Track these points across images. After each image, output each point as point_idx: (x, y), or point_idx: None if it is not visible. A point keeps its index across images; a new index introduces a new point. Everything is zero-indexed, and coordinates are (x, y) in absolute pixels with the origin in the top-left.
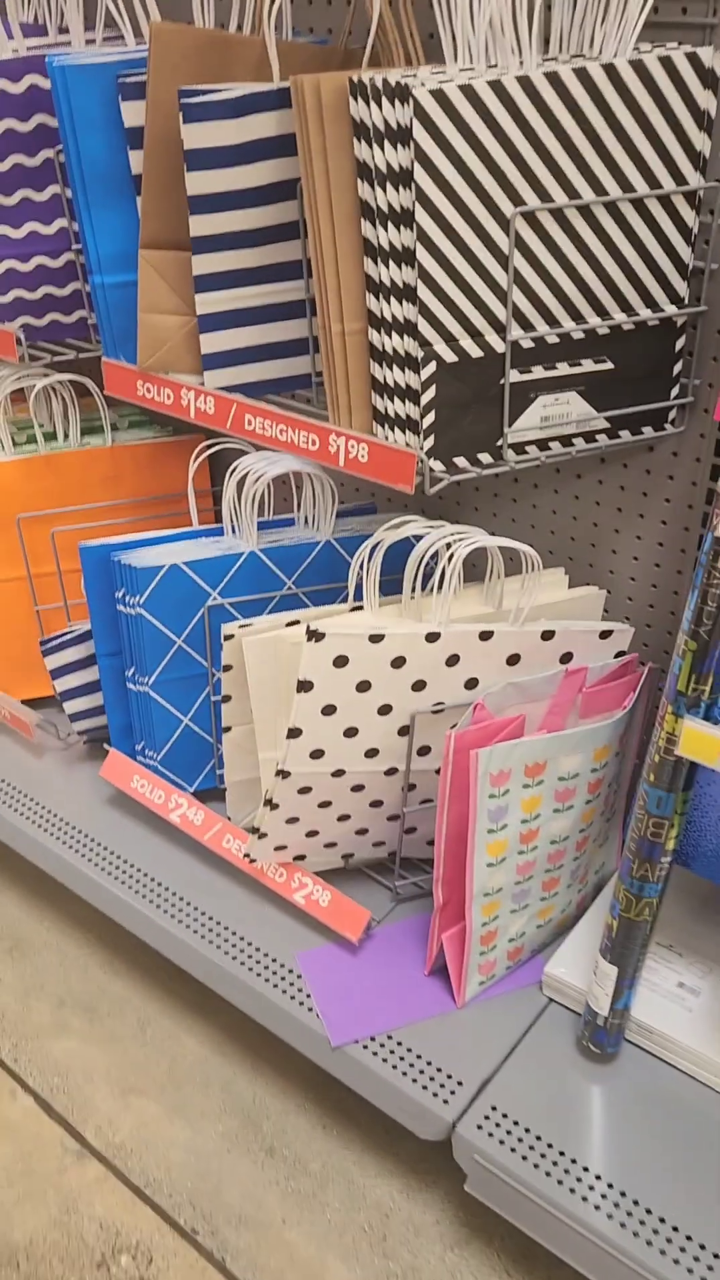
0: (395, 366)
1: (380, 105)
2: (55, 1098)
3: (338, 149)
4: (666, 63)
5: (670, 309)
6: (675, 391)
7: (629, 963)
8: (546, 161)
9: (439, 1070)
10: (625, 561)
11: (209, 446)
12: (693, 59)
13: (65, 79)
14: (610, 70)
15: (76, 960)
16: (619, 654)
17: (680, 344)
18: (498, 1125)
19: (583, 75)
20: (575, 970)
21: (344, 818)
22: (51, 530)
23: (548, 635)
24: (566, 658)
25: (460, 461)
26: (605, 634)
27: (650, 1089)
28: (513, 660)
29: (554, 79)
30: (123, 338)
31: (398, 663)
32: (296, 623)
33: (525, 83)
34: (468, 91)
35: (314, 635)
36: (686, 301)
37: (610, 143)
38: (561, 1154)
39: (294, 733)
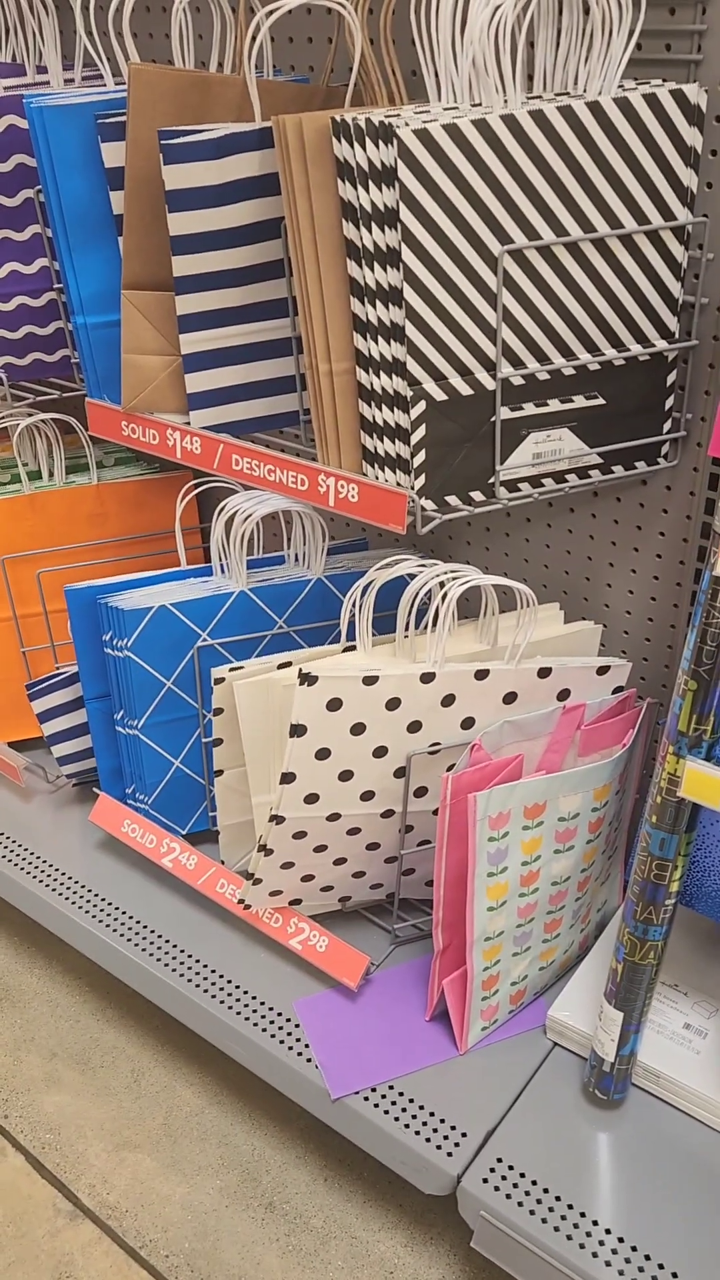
0: (384, 406)
1: (364, 145)
2: (46, 1155)
3: (321, 189)
4: (652, 100)
5: (661, 344)
6: (668, 426)
7: (634, 1007)
8: (533, 199)
9: (442, 1121)
10: (620, 596)
11: (196, 486)
12: (678, 96)
13: (44, 120)
14: (595, 108)
15: (68, 1010)
16: (617, 689)
17: (672, 378)
18: (503, 1179)
19: (568, 113)
20: (579, 1013)
21: (340, 861)
22: (37, 571)
23: (544, 673)
24: (564, 694)
25: (452, 500)
26: (603, 670)
27: (659, 1136)
28: (509, 699)
29: (539, 117)
30: (107, 378)
31: (392, 704)
32: (288, 664)
33: (510, 121)
34: (452, 131)
35: (306, 679)
36: (677, 336)
37: (597, 180)
38: (570, 1207)
39: (288, 778)
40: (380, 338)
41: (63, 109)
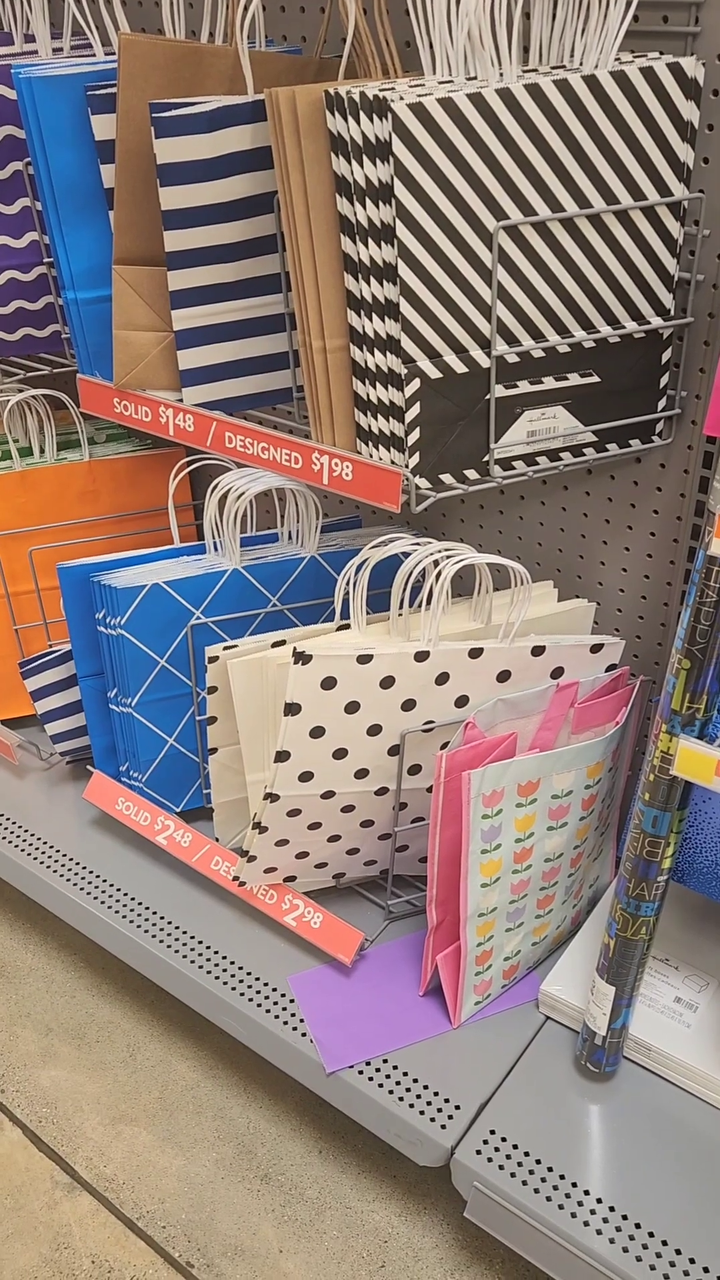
0: (378, 383)
1: (358, 119)
2: (44, 1129)
3: (315, 163)
4: (649, 73)
5: (656, 321)
6: (662, 404)
7: (626, 982)
8: (529, 174)
9: (435, 1094)
10: (614, 574)
11: (189, 463)
12: (675, 69)
13: (33, 91)
14: (592, 81)
15: (63, 986)
16: (610, 667)
17: (667, 356)
18: (496, 1150)
19: (564, 87)
20: (571, 987)
21: (334, 838)
22: (29, 549)
23: (538, 651)
24: (557, 673)
25: (446, 478)
26: (596, 648)
27: (649, 1107)
28: (503, 677)
29: (535, 91)
30: (98, 354)
31: (387, 682)
32: (282, 643)
33: (506, 95)
34: (447, 105)
35: (301, 657)
36: (672, 313)
37: (593, 154)
38: (561, 1177)
39: (282, 756)
40: (374, 314)
41: (52, 80)
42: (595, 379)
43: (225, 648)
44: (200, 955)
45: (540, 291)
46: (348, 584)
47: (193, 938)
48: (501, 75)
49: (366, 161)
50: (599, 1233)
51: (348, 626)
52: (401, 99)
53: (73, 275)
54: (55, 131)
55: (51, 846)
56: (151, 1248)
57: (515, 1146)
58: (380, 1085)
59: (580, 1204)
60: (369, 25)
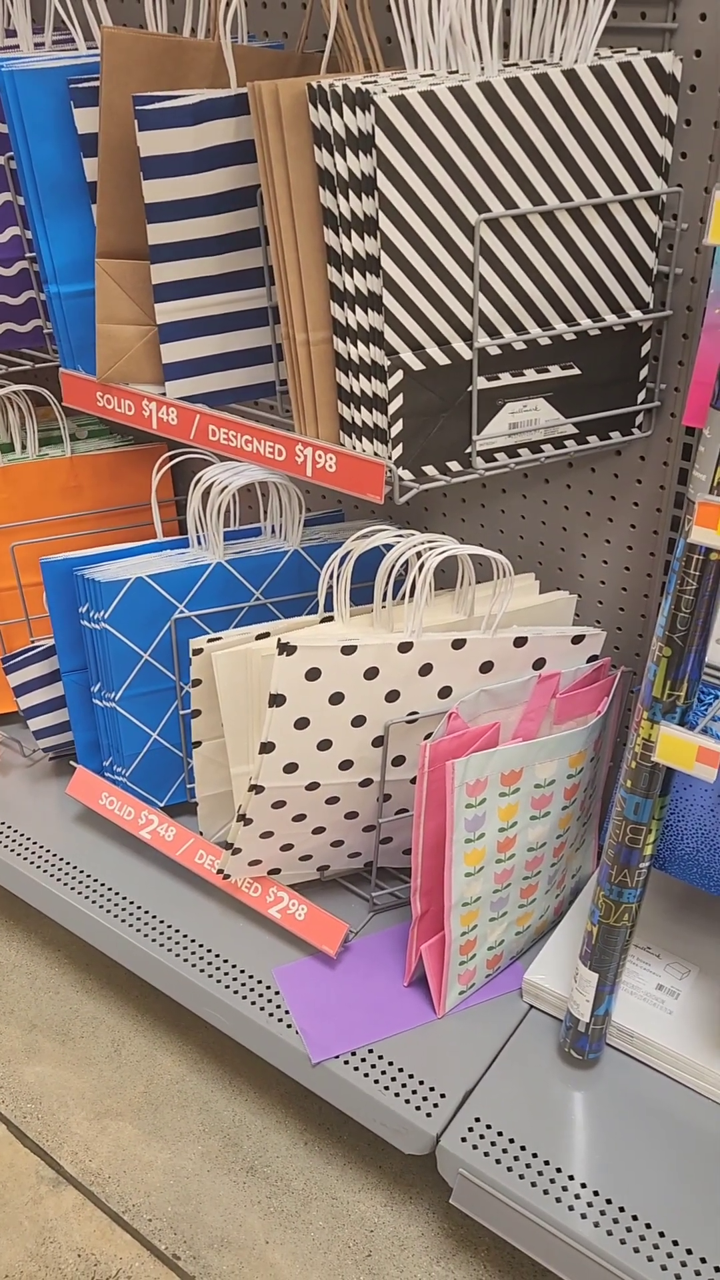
0: (361, 375)
1: (341, 112)
2: (29, 1124)
3: (298, 156)
4: (627, 68)
5: (635, 314)
6: (642, 396)
7: (609, 968)
8: (510, 167)
9: (421, 1083)
10: (595, 565)
11: (173, 457)
12: (653, 64)
13: (15, 85)
14: (571, 76)
15: (47, 982)
16: (591, 658)
17: (646, 349)
18: (481, 1137)
19: (544, 81)
20: (555, 976)
21: (319, 830)
22: (11, 544)
23: (520, 642)
24: (539, 663)
25: (429, 470)
26: (577, 639)
27: (632, 1093)
28: (486, 668)
29: (516, 84)
30: (81, 348)
31: (371, 674)
32: (266, 635)
33: (487, 88)
34: (429, 98)
35: (285, 648)
36: (651, 306)
37: (573, 148)
38: (546, 1163)
39: (267, 747)
40: (357, 307)
41: (34, 73)
42: (576, 371)
43: (209, 640)
44: (185, 949)
45: (521, 284)
46: (331, 576)
47: (177, 931)
48: (483, 69)
49: (349, 154)
50: (583, 1217)
51: (331, 619)
52: (384, 91)
53: (55, 269)
54: (37, 125)
55: (35, 842)
56: (138, 1241)
57: (500, 1134)
58: (365, 1075)
59: (565, 1189)
60: (351, 20)
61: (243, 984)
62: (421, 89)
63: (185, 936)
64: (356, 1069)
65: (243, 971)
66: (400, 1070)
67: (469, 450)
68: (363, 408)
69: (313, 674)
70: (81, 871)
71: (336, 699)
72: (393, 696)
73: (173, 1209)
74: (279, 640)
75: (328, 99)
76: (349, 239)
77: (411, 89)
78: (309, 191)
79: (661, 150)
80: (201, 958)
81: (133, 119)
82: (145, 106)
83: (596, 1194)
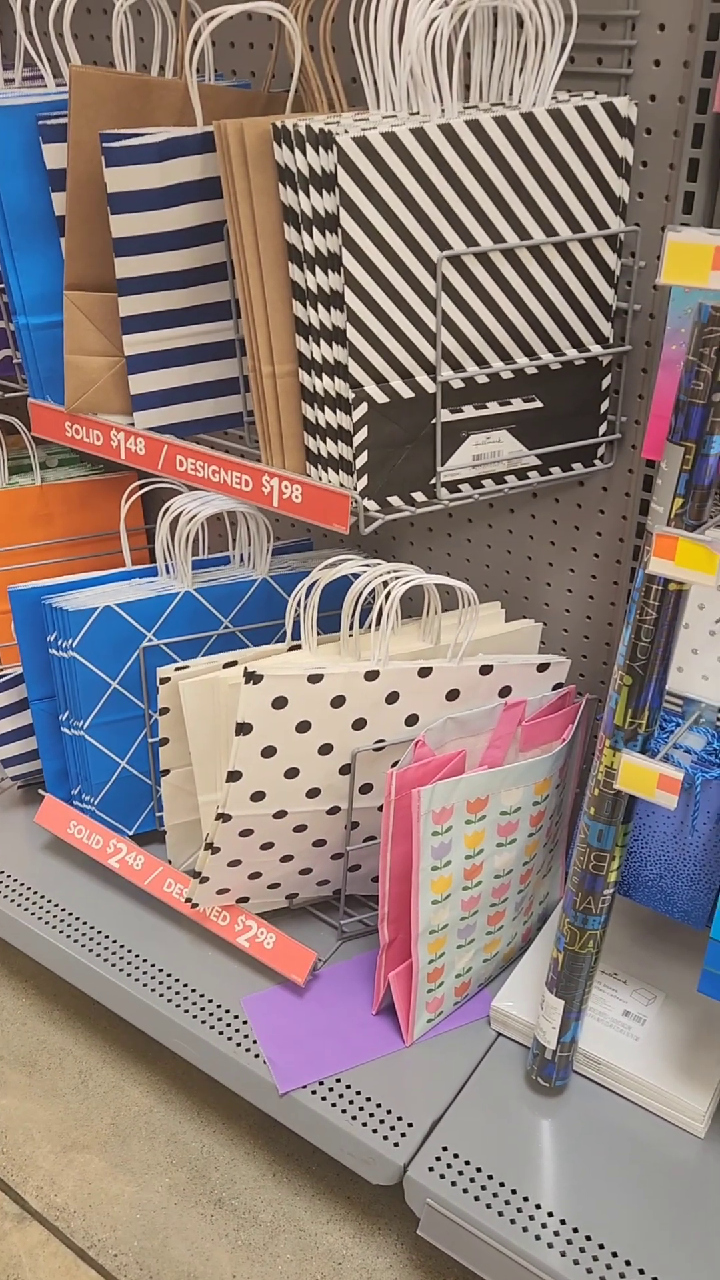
0: (327, 408)
1: (304, 151)
2: None
3: (263, 194)
4: (584, 112)
5: (595, 349)
6: (604, 428)
7: (575, 995)
8: (470, 206)
9: (389, 1112)
10: (559, 594)
11: (141, 487)
12: (609, 108)
13: None
14: (530, 119)
15: (14, 1013)
16: (556, 686)
17: (606, 382)
18: (449, 1166)
19: (503, 123)
20: (522, 1003)
21: (287, 858)
22: None
23: (486, 670)
24: (505, 691)
25: (394, 501)
26: (543, 667)
27: (599, 1121)
28: (452, 695)
29: (475, 126)
30: (50, 378)
31: (337, 702)
32: (234, 663)
33: (448, 130)
34: (391, 139)
35: (252, 677)
36: (611, 341)
37: (532, 188)
38: (514, 1192)
39: (234, 776)
40: (322, 340)
41: (4, 110)
42: (538, 404)
43: (177, 668)
44: (152, 979)
45: (483, 319)
46: (298, 605)
47: (145, 961)
48: (443, 111)
49: (313, 192)
50: (550, 1246)
51: (299, 647)
52: (346, 132)
53: (24, 301)
54: (6, 159)
55: (2, 871)
56: (103, 1277)
57: (468, 1163)
58: (333, 1105)
59: (532, 1218)
60: (315, 61)
61: (211, 1014)
62: (383, 130)
63: (153, 966)
64: (324, 1099)
65: (211, 1001)
66: (368, 1100)
67: (433, 481)
68: (328, 439)
69: (279, 702)
70: (49, 901)
71: (303, 727)
72: (360, 724)
73: (139, 1243)
74: (246, 669)
75: (292, 138)
76: (313, 274)
77: (373, 129)
78: (274, 228)
79: (619, 190)
80: (169, 987)
81: (100, 155)
82: (112, 144)
83: (564, 1223)
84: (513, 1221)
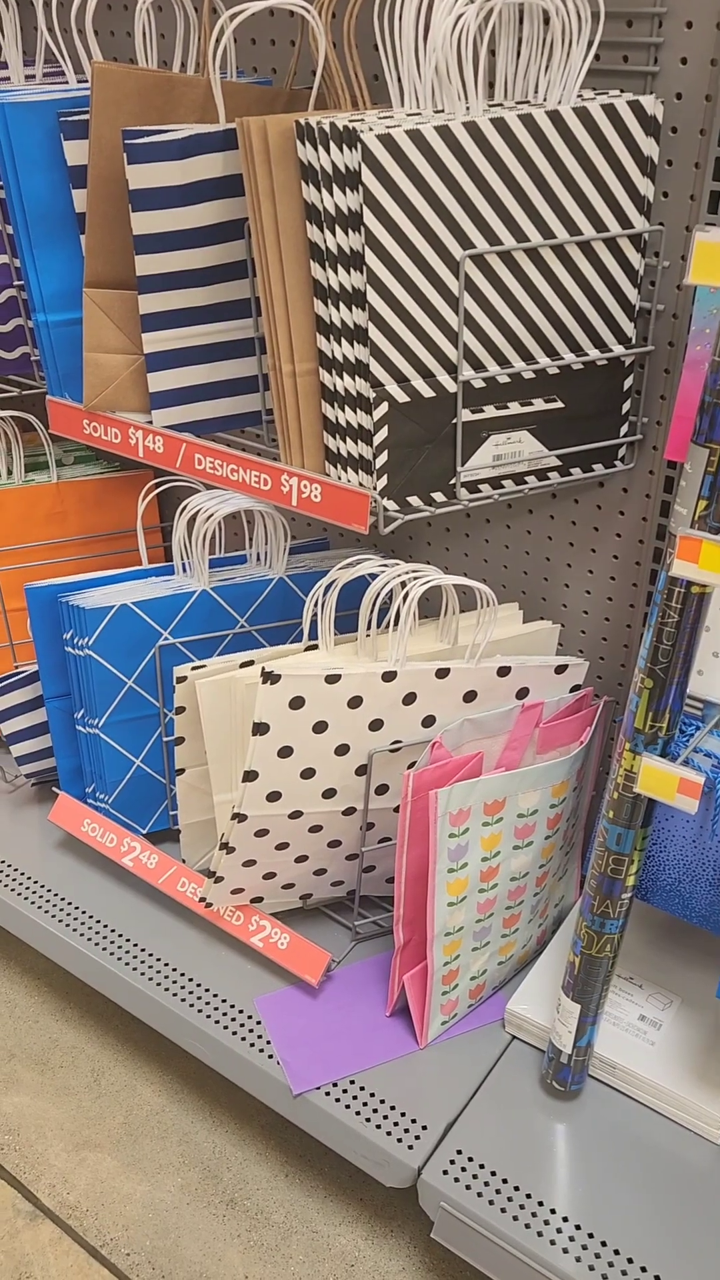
0: (347, 407)
1: (328, 149)
2: (6, 1156)
3: (285, 191)
4: (610, 110)
5: (618, 349)
6: (625, 429)
7: (591, 999)
8: (494, 205)
9: (403, 1114)
10: (578, 596)
11: (158, 485)
12: (635, 106)
13: (6, 117)
14: (555, 117)
15: (27, 1010)
16: (574, 688)
17: (629, 383)
18: (463, 1170)
19: (529, 121)
20: (537, 1006)
21: (302, 859)
22: None
23: (504, 671)
24: (523, 693)
25: (414, 501)
26: (560, 668)
27: (615, 1125)
28: (469, 697)
29: (500, 124)
30: (68, 376)
31: (354, 702)
32: (250, 663)
33: (473, 128)
34: (415, 137)
35: (269, 677)
36: (634, 341)
37: (557, 187)
38: (528, 1196)
39: (250, 776)
40: (343, 339)
41: (25, 106)
42: (559, 405)
43: (193, 668)
44: (166, 978)
45: (506, 319)
46: (316, 605)
47: (159, 960)
48: (468, 109)
49: (336, 190)
50: (565, 1251)
51: (316, 647)
52: (370, 130)
53: (44, 298)
54: (27, 156)
55: (16, 869)
56: (115, 1275)
57: (482, 1166)
58: (347, 1106)
59: (547, 1223)
60: (339, 58)
61: (224, 1014)
62: (407, 128)
63: (166, 965)
64: (338, 1100)
65: (224, 1001)
66: (382, 1102)
67: (453, 481)
68: (348, 439)
69: (296, 702)
70: (62, 899)
71: (320, 727)
72: (376, 725)
73: (151, 1242)
74: (263, 669)
75: (315, 136)
76: (335, 273)
77: (398, 128)
78: (296, 226)
79: (644, 189)
80: (183, 986)
81: (122, 152)
82: (134, 141)
83: (578, 1228)
84: (527, 1226)
